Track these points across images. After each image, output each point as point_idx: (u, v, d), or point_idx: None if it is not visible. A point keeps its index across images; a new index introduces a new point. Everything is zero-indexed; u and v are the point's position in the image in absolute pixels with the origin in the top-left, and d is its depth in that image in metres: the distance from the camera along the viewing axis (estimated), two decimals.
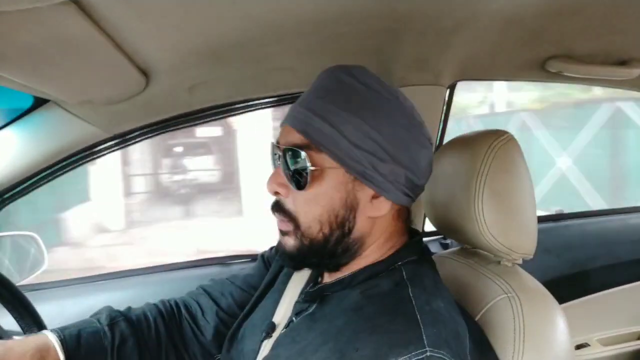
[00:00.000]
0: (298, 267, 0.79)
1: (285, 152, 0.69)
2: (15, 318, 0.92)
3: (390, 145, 0.67)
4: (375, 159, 0.66)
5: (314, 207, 0.69)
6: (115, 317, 0.85)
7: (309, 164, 0.66)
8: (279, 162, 0.71)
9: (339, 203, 0.68)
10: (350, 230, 0.70)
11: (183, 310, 0.94)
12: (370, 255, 0.73)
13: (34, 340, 0.75)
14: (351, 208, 0.69)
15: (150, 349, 0.86)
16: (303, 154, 0.67)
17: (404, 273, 0.69)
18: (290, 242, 0.72)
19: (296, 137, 0.69)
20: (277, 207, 0.73)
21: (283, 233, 0.73)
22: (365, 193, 0.69)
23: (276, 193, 0.72)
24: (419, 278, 0.69)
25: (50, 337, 0.76)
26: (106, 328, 0.82)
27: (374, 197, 0.69)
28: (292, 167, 0.68)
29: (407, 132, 0.68)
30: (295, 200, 0.70)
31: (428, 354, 0.57)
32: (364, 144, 0.66)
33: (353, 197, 0.69)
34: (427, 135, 0.72)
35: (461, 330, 0.65)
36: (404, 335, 0.60)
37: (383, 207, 0.69)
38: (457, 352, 0.60)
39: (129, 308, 0.90)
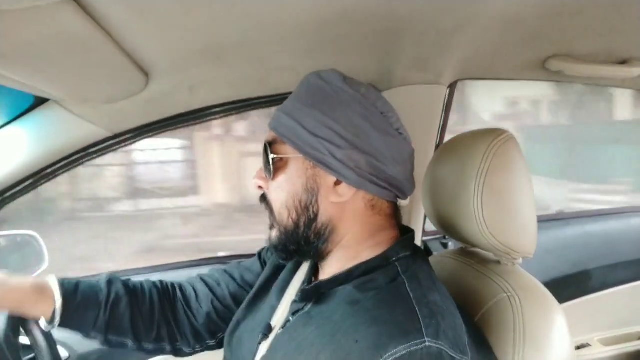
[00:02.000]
0: (284, 258, 0.82)
1: (263, 149, 0.77)
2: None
3: (348, 133, 0.71)
4: (331, 145, 0.71)
5: (281, 194, 0.76)
6: (113, 279, 0.92)
7: (271, 154, 0.75)
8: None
9: (301, 188, 0.74)
10: (315, 215, 0.75)
11: (178, 292, 0.98)
12: (354, 246, 0.76)
13: (33, 278, 0.84)
14: (312, 193, 0.74)
15: (143, 314, 0.91)
16: (268, 147, 0.76)
17: (399, 269, 0.71)
18: (272, 234, 0.79)
19: (270, 135, 0.78)
20: (262, 198, 0.81)
21: (269, 227, 0.80)
22: (326, 179, 0.74)
23: (259, 187, 0.80)
24: (414, 273, 0.70)
25: (49, 278, 0.85)
26: (103, 285, 0.90)
27: (337, 183, 0.73)
28: (264, 161, 0.77)
29: (366, 120, 0.72)
30: (269, 190, 0.78)
31: (427, 344, 0.58)
32: (320, 132, 0.71)
33: (313, 182, 0.74)
34: (395, 125, 0.75)
35: (458, 322, 0.66)
36: (403, 325, 0.61)
37: (345, 193, 0.73)
38: (455, 343, 0.61)
39: (128, 279, 0.96)
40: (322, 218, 0.75)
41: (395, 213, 0.79)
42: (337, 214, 0.75)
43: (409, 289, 0.66)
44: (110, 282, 0.91)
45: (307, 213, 0.75)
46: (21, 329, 0.87)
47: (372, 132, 0.72)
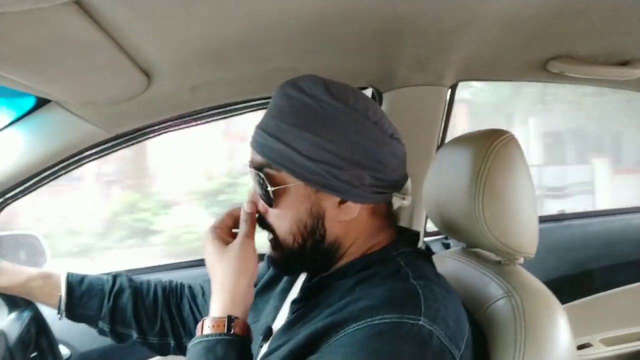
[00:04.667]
0: (286, 273, 0.85)
1: (253, 175, 0.73)
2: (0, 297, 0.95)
3: (346, 152, 0.68)
4: (332, 168, 0.68)
5: (284, 221, 0.73)
6: (119, 274, 0.98)
7: (269, 184, 0.71)
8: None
9: (305, 214, 0.72)
10: (322, 237, 0.73)
11: (186, 289, 1.01)
12: (355, 252, 0.75)
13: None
14: (318, 217, 0.72)
15: (146, 306, 0.95)
16: (262, 175, 0.71)
17: (401, 262, 0.70)
18: (275, 255, 0.77)
19: (258, 158, 0.73)
20: (260, 222, 0.77)
21: (270, 245, 0.77)
22: (330, 201, 0.71)
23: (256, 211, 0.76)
24: (418, 266, 0.70)
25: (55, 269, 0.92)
26: (109, 277, 0.96)
27: (341, 202, 0.71)
28: (259, 187, 0.73)
29: (362, 135, 0.69)
30: (270, 217, 0.75)
31: (420, 323, 0.58)
32: (318, 156, 0.68)
33: (318, 206, 0.71)
34: (388, 131, 0.72)
35: (462, 318, 0.66)
36: (401, 300, 0.61)
37: (352, 211, 0.71)
38: (453, 334, 0.61)
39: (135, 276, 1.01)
40: (329, 238, 0.73)
41: (391, 212, 0.78)
42: (342, 230, 0.73)
43: (412, 279, 0.65)
44: (116, 276, 0.96)
45: (314, 237, 0.73)
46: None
47: (370, 145, 0.70)
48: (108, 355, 1.28)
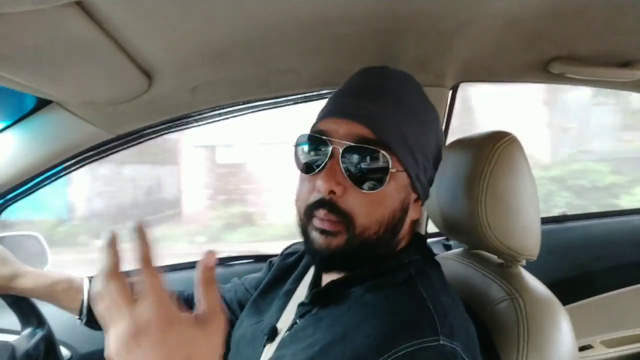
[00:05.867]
0: (330, 269, 0.73)
1: (351, 149, 0.64)
2: (16, 314, 0.93)
3: (436, 152, 0.72)
4: (426, 164, 0.71)
5: (378, 209, 0.66)
6: None
7: (390, 166, 0.64)
8: (327, 160, 0.66)
9: (400, 205, 0.70)
10: (397, 232, 0.72)
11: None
12: (391, 253, 0.75)
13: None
14: (405, 211, 0.71)
15: None
16: (382, 154, 0.64)
17: (410, 271, 0.70)
18: (335, 242, 0.66)
19: (364, 133, 0.64)
20: (330, 206, 0.66)
21: (329, 233, 0.67)
22: (411, 197, 0.72)
23: (331, 192, 0.66)
24: (427, 275, 0.70)
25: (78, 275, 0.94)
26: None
27: (415, 200, 0.73)
28: (362, 166, 0.64)
29: (440, 141, 0.74)
30: (355, 201, 0.65)
31: (441, 342, 0.57)
32: (419, 151, 0.69)
33: (408, 200, 0.71)
34: (442, 138, 0.78)
35: (471, 328, 0.66)
36: (416, 321, 0.60)
37: (420, 211, 0.73)
38: (468, 346, 0.61)
39: None
40: (400, 235, 0.72)
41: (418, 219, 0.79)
42: (406, 229, 0.73)
43: (421, 288, 0.66)
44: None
45: (394, 230, 0.69)
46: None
47: (442, 150, 0.75)
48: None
